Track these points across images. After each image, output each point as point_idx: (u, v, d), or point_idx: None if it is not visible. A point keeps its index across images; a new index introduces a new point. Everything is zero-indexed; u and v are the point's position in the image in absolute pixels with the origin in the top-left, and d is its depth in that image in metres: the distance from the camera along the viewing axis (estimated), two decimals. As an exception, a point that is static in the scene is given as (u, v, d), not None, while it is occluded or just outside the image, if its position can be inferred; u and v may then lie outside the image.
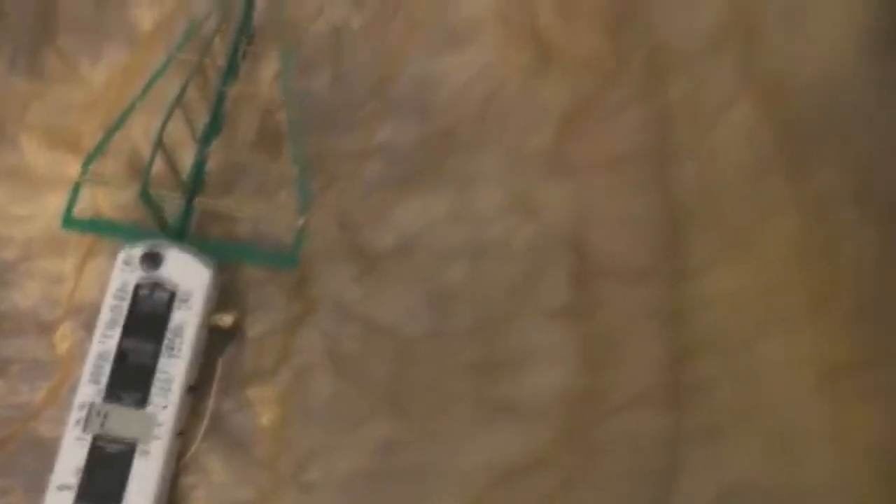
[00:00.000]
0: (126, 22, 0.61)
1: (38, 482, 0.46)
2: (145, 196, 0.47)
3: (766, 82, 0.58)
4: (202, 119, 0.55)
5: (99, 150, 0.51)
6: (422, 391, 0.51)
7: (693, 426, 0.49)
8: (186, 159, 0.53)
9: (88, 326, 0.49)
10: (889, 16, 0.58)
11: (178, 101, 0.50)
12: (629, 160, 0.57)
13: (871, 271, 0.52)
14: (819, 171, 0.54)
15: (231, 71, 0.58)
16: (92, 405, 0.46)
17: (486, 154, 0.57)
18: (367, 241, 0.55)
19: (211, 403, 0.49)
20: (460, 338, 0.52)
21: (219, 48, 0.57)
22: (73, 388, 0.47)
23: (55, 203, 0.53)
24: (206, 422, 0.49)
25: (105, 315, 0.48)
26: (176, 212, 0.52)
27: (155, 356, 0.47)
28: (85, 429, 0.46)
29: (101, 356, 0.47)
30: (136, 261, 0.49)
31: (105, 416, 0.46)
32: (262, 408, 0.50)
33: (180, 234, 0.51)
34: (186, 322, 0.48)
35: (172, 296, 0.48)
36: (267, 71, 0.60)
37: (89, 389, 0.47)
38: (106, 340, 0.47)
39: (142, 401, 0.46)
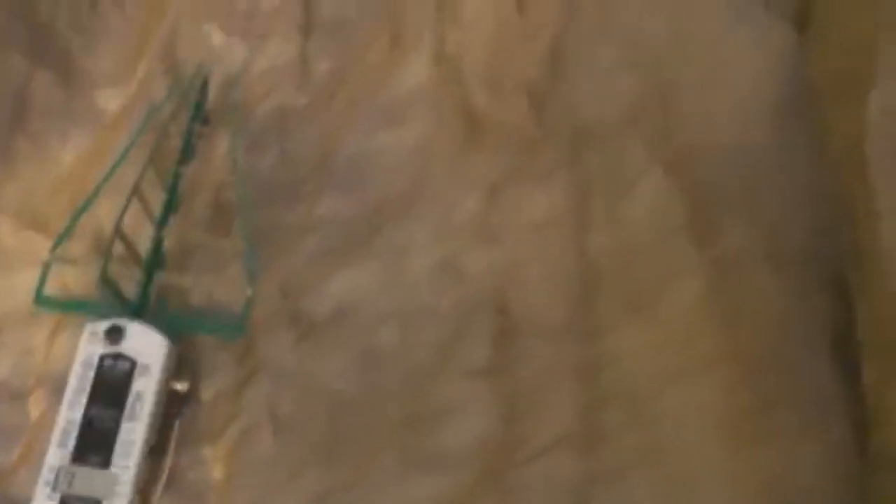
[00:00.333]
0: (92, 106, 0.65)
1: (10, 540, 0.49)
2: (105, 281, 0.52)
3: (679, 150, 0.61)
4: (160, 197, 0.59)
5: (66, 235, 0.55)
6: (353, 444, 0.54)
7: (603, 469, 0.52)
8: (146, 237, 0.57)
9: (58, 393, 0.52)
10: (792, 88, 0.62)
11: (136, 190, 0.54)
12: (551, 225, 0.60)
13: (774, 324, 0.55)
14: (728, 233, 0.58)
15: (187, 151, 0.62)
16: (60, 468, 0.50)
17: (418, 224, 0.60)
18: (306, 308, 0.58)
19: (169, 461, 0.53)
20: (389, 394, 0.55)
21: (175, 131, 0.61)
22: (44, 452, 0.50)
23: (26, 280, 0.56)
24: (164, 479, 0.52)
25: (73, 383, 0.52)
26: (136, 288, 0.56)
27: (118, 420, 0.51)
28: (54, 489, 0.49)
29: (69, 422, 0.51)
30: (101, 335, 0.53)
31: (72, 477, 0.49)
32: (213, 464, 0.54)
33: (140, 310, 0.55)
34: (146, 389, 0.52)
35: (133, 365, 0.53)
36: (220, 150, 0.64)
37: (58, 452, 0.50)
38: (74, 407, 0.51)
39: (105, 462, 0.50)
